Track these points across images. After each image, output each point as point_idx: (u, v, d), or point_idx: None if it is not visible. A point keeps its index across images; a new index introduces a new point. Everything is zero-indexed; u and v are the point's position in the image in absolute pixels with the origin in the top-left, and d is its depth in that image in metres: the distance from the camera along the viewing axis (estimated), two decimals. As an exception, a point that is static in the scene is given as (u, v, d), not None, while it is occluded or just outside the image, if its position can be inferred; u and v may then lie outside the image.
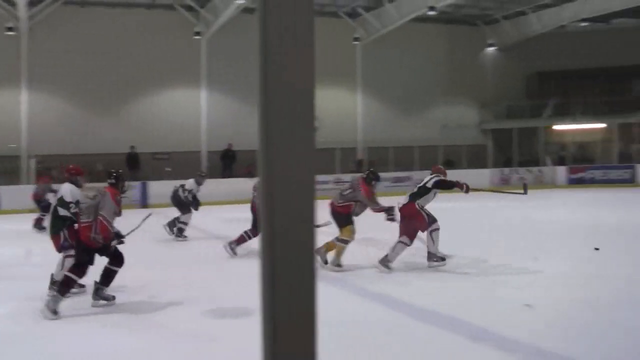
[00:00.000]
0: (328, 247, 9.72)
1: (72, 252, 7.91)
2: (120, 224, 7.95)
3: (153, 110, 27.07)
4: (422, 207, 9.68)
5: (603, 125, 32.50)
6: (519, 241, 12.25)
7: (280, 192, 1.21)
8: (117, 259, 7.70)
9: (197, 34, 27.13)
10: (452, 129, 32.15)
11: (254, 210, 11.40)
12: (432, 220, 9.69)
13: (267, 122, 1.21)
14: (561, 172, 29.65)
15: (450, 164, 30.31)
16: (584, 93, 32.25)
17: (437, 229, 9.69)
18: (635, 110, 30.72)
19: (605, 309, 7.15)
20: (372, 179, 10.14)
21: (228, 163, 26.80)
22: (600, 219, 16.35)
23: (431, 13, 27.20)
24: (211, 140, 27.54)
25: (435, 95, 32.29)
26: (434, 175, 10.11)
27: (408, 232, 9.53)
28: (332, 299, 7.07)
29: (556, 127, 33.33)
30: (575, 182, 29.10)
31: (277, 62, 1.21)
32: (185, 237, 13.97)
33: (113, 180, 8.11)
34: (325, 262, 9.66)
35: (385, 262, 9.49)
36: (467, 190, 9.75)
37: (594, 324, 6.48)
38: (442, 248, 9.69)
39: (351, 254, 9.80)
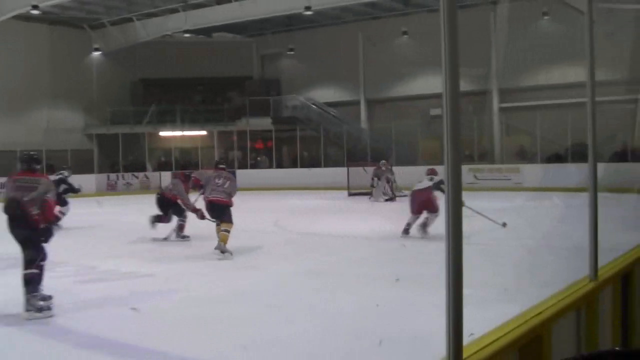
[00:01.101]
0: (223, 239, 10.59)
1: None
2: None
3: None
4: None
5: (204, 132, 34.36)
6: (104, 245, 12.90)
7: None
8: None
9: None
10: (56, 132, 30.95)
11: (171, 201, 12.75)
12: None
13: None
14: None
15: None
16: (187, 101, 33.82)
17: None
18: (233, 119, 33.13)
19: (217, 303, 7.59)
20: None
21: None
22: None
23: (35, 12, 26.03)
24: None
25: (38, 98, 30.88)
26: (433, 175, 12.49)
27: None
28: None
29: (161, 133, 34.34)
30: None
31: None
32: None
33: None
34: (231, 254, 10.54)
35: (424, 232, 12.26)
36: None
37: (204, 320, 6.83)
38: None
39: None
